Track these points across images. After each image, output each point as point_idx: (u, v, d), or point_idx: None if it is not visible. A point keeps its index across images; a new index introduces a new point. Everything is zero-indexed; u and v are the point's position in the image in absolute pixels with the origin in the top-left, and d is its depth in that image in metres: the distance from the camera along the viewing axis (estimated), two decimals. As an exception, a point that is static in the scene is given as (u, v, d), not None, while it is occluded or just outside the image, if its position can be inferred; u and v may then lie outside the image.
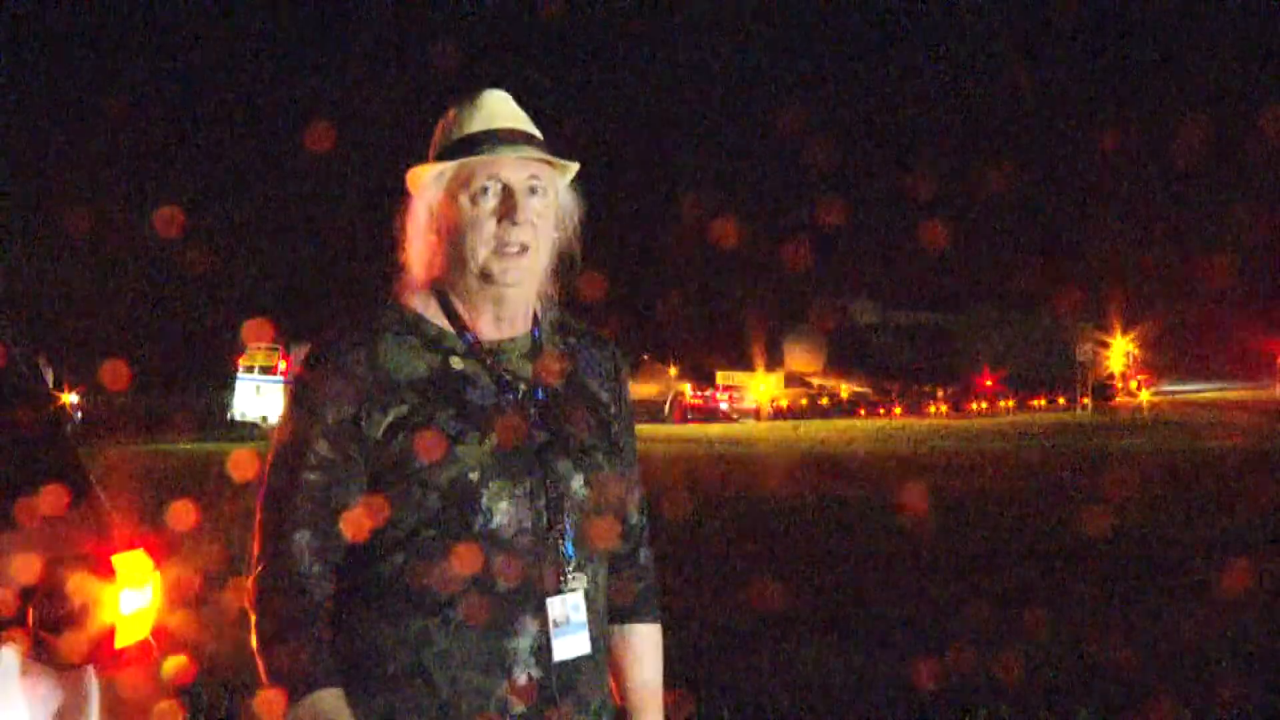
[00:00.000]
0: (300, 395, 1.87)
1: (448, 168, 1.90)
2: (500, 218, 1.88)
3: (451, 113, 1.95)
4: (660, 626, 2.11)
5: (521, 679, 1.83)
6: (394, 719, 1.81)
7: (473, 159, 1.89)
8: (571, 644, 1.87)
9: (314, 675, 1.78)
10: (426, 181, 1.92)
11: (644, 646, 2.06)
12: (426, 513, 1.81)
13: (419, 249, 1.94)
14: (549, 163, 1.93)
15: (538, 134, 1.95)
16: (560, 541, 1.87)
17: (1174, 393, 53.84)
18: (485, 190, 1.88)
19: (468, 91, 1.97)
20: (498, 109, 1.94)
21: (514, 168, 1.89)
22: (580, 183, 2.01)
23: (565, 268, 1.99)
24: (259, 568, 1.84)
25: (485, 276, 1.89)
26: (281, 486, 1.84)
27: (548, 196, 1.93)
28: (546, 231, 1.93)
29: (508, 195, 1.88)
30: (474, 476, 1.82)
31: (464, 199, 1.89)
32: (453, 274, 1.92)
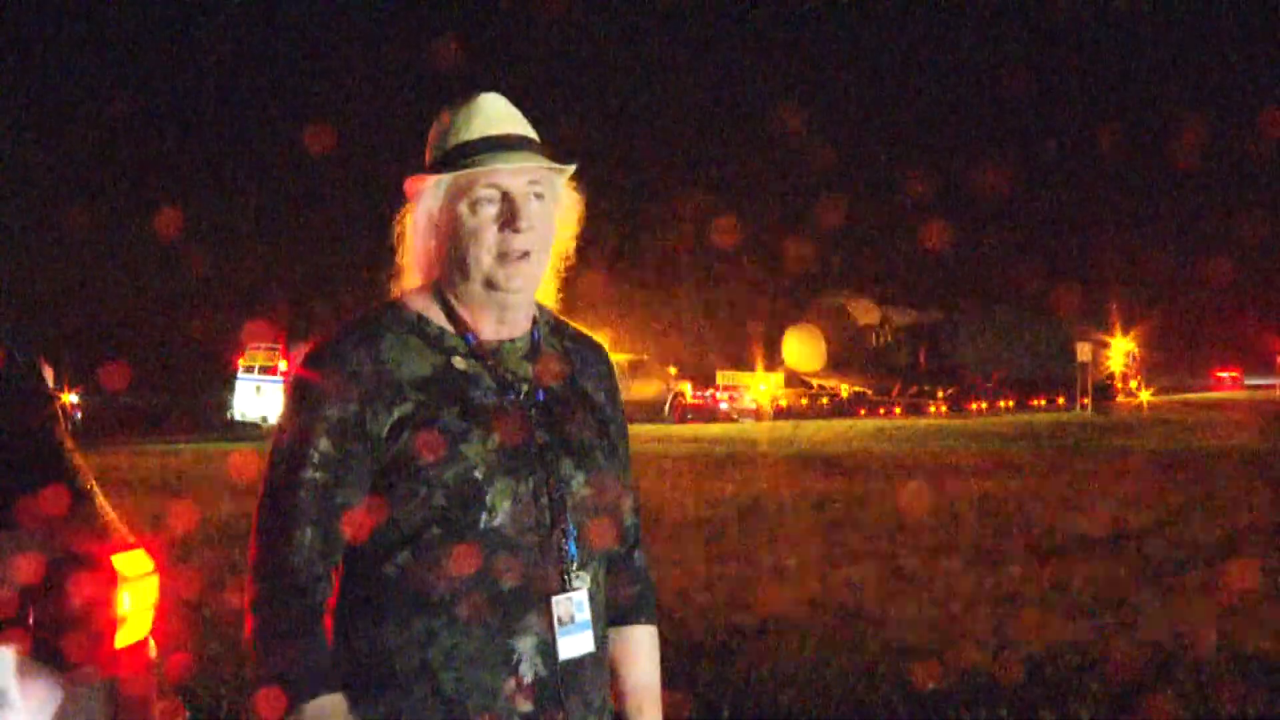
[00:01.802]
0: (301, 394, 1.86)
1: (445, 177, 1.89)
2: (502, 225, 1.87)
3: (446, 117, 1.94)
4: (656, 628, 2.11)
5: (528, 677, 1.83)
6: (402, 717, 1.81)
7: (473, 170, 1.87)
8: (576, 643, 1.88)
9: (316, 679, 1.77)
10: (425, 189, 1.91)
11: (641, 648, 2.07)
12: (431, 511, 1.81)
13: (419, 254, 1.94)
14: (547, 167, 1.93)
15: (534, 136, 1.94)
16: (563, 541, 1.88)
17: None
18: (486, 199, 1.88)
19: (462, 95, 1.95)
20: (494, 113, 1.92)
21: (514, 174, 1.88)
22: (578, 180, 2.00)
23: (563, 268, 2.00)
24: (259, 566, 1.83)
25: (489, 284, 1.89)
26: (283, 485, 1.83)
27: (547, 200, 1.92)
28: (547, 235, 1.93)
29: (509, 203, 1.88)
30: (479, 474, 1.82)
31: (463, 207, 1.88)
32: (454, 279, 1.92)
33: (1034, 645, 6.61)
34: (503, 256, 1.88)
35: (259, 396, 29.72)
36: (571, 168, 1.96)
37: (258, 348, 30.64)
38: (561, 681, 1.86)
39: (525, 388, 1.93)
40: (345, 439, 1.82)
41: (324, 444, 1.82)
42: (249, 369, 30.53)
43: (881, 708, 5.50)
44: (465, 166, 1.87)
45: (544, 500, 1.87)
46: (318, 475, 1.82)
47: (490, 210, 1.88)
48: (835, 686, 5.87)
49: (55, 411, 3.05)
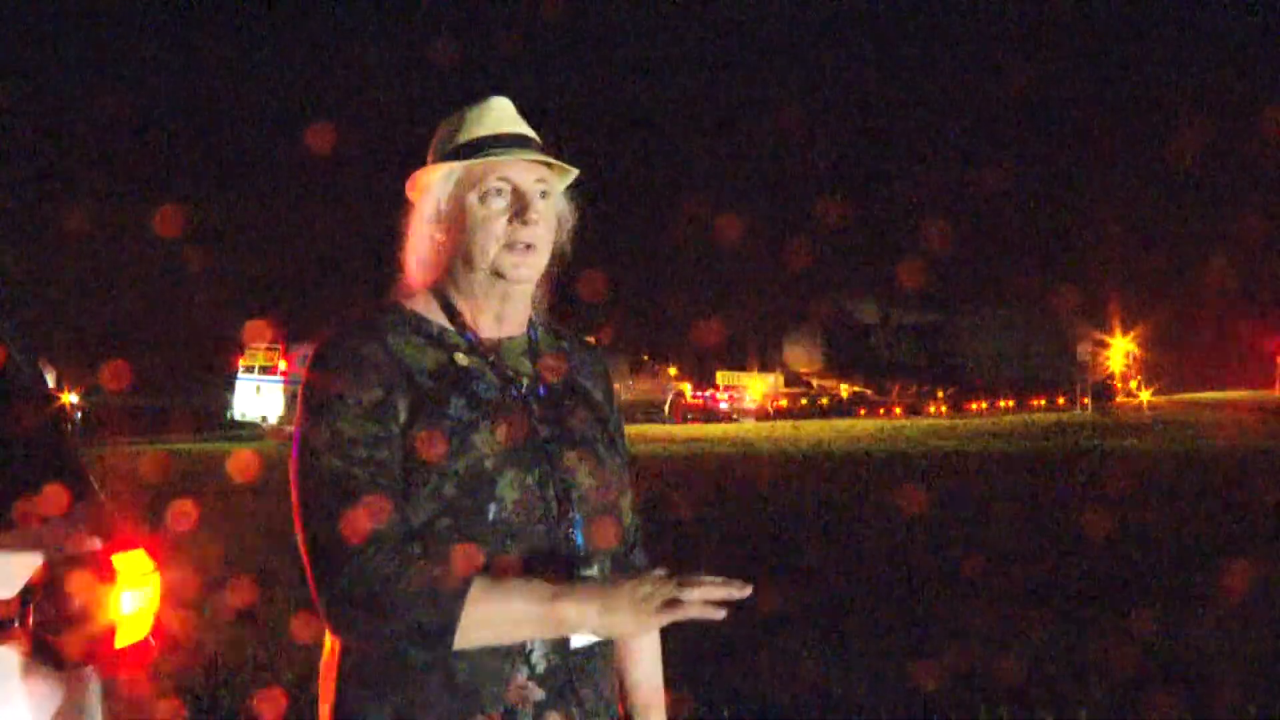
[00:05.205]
0: (319, 392, 1.83)
1: (457, 168, 1.94)
2: (511, 217, 1.92)
3: (457, 116, 2.00)
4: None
5: (540, 666, 1.85)
6: (414, 710, 1.81)
7: (485, 160, 1.93)
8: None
9: (465, 578, 1.74)
10: (433, 182, 1.96)
11: (643, 647, 2.11)
12: (442, 501, 1.81)
13: (424, 249, 1.98)
14: (551, 166, 1.98)
15: (539, 140, 2.00)
16: (570, 531, 1.89)
17: None
18: (496, 190, 1.93)
19: (473, 97, 2.02)
20: (503, 114, 2.00)
21: (524, 170, 1.94)
22: (577, 187, 2.06)
23: (557, 272, 2.04)
24: (330, 558, 1.75)
25: (495, 273, 1.93)
26: (330, 478, 1.77)
27: (551, 200, 1.98)
28: (550, 233, 1.98)
29: (518, 196, 1.93)
30: (489, 465, 1.84)
31: (473, 199, 1.93)
32: (458, 272, 1.96)
33: (1034, 645, 6.61)
34: (510, 246, 1.92)
35: (259, 396, 29.74)
36: (576, 171, 2.01)
37: (258, 348, 30.65)
38: (573, 670, 1.88)
39: (526, 382, 1.96)
40: (382, 417, 1.81)
41: (370, 426, 1.79)
42: (249, 369, 30.55)
43: (881, 707, 5.51)
44: (478, 159, 1.92)
45: (550, 492, 1.89)
46: (379, 453, 1.78)
47: (500, 202, 1.93)
48: (835, 686, 5.87)
49: (55, 411, 3.05)
